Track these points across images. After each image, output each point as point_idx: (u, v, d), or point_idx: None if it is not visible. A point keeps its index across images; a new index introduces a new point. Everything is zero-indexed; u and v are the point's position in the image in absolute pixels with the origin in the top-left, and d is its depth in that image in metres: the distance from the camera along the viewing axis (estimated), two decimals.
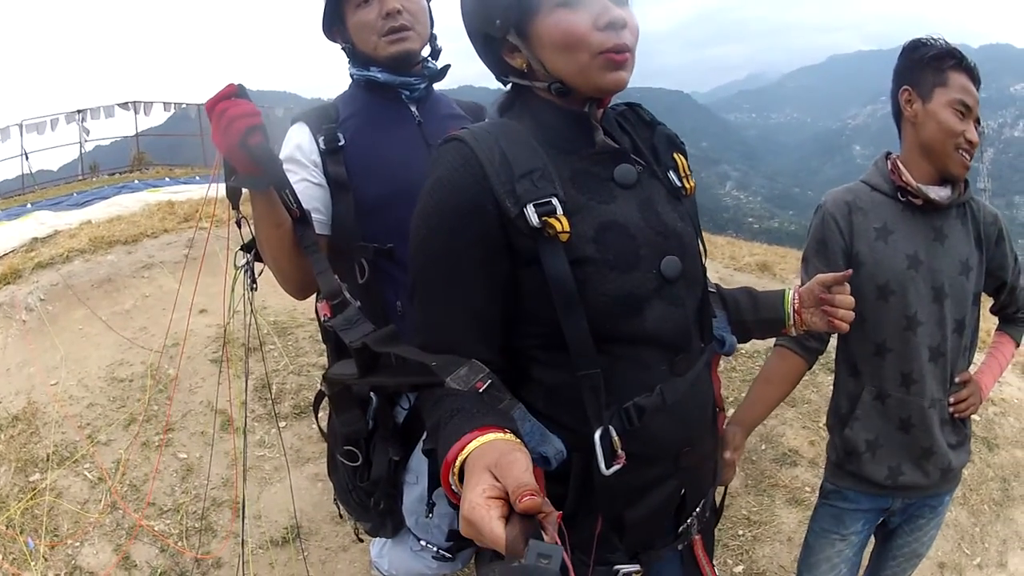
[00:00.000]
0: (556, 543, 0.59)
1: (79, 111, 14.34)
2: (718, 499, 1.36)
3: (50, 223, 6.90)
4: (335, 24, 1.55)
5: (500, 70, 1.08)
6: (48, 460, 3.24)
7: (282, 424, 3.60)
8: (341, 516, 1.78)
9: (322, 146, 1.44)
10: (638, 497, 1.07)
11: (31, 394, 3.81)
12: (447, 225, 0.97)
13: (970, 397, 1.65)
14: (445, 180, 0.97)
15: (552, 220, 0.93)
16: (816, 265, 1.63)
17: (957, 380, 1.65)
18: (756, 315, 1.32)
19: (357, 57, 1.54)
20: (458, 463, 0.76)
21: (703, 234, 1.19)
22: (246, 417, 3.48)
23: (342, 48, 1.58)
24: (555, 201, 0.95)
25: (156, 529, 2.83)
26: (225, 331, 1.48)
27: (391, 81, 1.51)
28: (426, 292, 1.02)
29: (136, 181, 11.21)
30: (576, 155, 1.04)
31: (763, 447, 3.48)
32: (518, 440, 0.80)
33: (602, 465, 0.97)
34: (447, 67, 1.61)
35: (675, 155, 1.15)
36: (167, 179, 11.41)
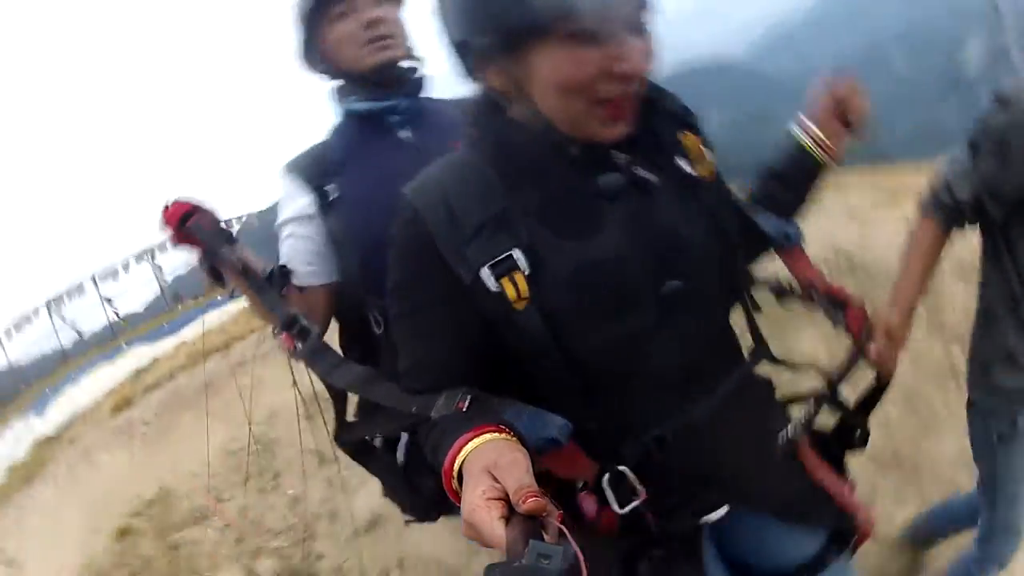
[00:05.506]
0: (557, 543, 0.59)
1: (146, 250, 14.71)
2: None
3: (148, 354, 7.72)
4: (311, 49, 1.48)
5: (468, 74, 0.89)
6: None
7: None
8: None
9: (315, 203, 1.42)
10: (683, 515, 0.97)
11: (162, 482, 4.59)
12: (411, 293, 0.91)
13: None
14: (400, 253, 0.91)
15: (507, 284, 0.83)
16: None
17: None
18: (792, 187, 1.12)
19: (337, 80, 1.50)
20: (456, 466, 0.73)
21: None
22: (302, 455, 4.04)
23: (321, 75, 1.52)
24: (516, 253, 0.83)
25: (273, 546, 3.45)
26: (296, 393, 1.74)
27: (373, 108, 1.44)
28: (405, 345, 0.96)
29: (219, 297, 11.91)
30: (547, 172, 0.88)
31: None
32: (514, 439, 0.76)
33: (615, 505, 0.91)
34: (428, 78, 1.52)
35: (681, 135, 0.94)
36: None
